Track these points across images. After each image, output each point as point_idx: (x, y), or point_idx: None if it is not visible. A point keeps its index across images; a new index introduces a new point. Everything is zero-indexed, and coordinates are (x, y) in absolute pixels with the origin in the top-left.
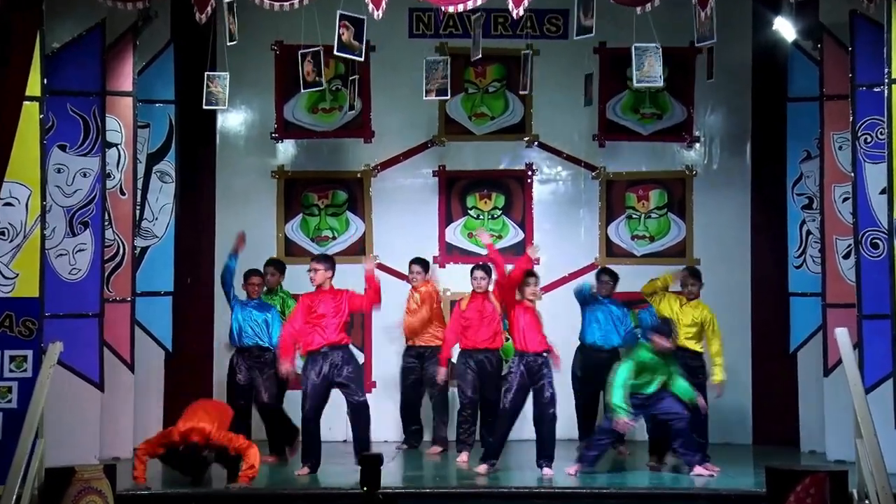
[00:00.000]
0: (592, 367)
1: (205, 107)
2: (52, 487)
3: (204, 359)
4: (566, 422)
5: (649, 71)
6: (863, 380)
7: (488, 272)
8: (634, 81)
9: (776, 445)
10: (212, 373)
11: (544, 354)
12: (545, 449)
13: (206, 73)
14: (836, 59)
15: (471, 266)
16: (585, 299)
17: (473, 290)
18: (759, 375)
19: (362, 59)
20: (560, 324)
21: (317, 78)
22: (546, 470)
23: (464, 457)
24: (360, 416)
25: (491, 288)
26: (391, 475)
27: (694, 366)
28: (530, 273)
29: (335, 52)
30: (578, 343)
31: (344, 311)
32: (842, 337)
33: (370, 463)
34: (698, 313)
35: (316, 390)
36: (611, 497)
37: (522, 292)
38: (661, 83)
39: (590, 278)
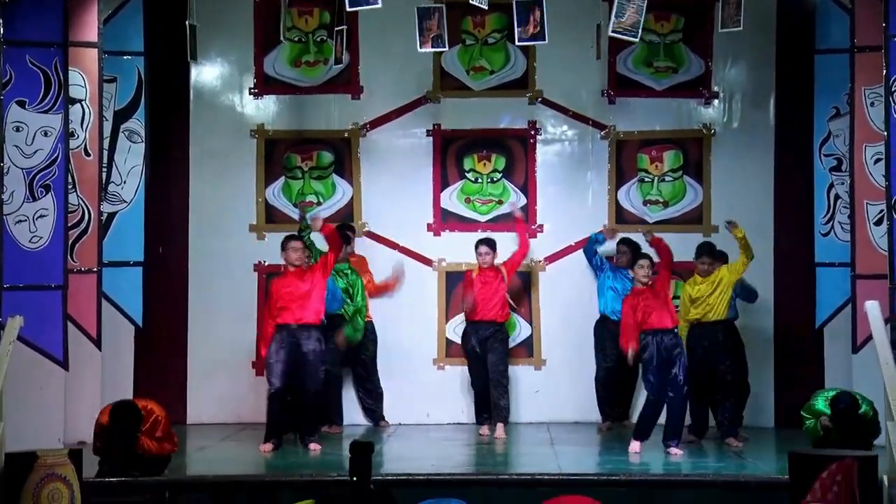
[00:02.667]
0: (611, 339)
1: (189, 60)
2: (13, 474)
3: (177, 334)
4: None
5: (629, 22)
6: (895, 357)
7: (492, 247)
8: (609, 30)
9: (801, 429)
10: (186, 350)
11: (675, 330)
12: (672, 428)
13: (188, 24)
14: (868, 6)
15: (468, 234)
16: (593, 252)
17: (479, 265)
18: (782, 353)
19: (380, 4)
20: (565, 295)
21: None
22: (673, 449)
23: (485, 429)
24: (307, 403)
25: (498, 262)
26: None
27: (725, 339)
28: (641, 255)
29: (349, 8)
30: (599, 315)
31: (311, 288)
32: (873, 311)
33: (360, 451)
34: (712, 280)
35: (282, 367)
36: (623, 485)
37: (636, 275)
38: (637, 38)
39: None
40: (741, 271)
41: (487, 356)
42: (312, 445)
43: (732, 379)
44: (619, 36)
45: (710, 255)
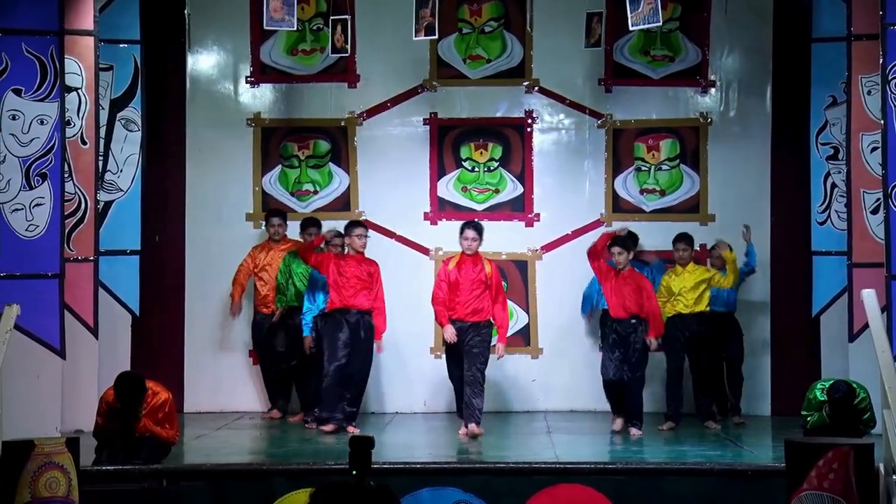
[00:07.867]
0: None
1: (188, 51)
2: (11, 462)
3: (174, 323)
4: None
5: (646, 10)
6: (891, 346)
7: (480, 232)
8: (630, 24)
9: (797, 417)
10: (182, 338)
11: (632, 321)
12: (633, 412)
13: (186, 13)
14: None
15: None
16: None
17: (463, 252)
18: (778, 341)
19: None
20: (562, 284)
21: (286, 17)
22: (634, 430)
23: (463, 430)
24: (351, 386)
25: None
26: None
27: (705, 331)
28: (613, 243)
29: None
30: (600, 312)
31: (370, 276)
32: (869, 299)
33: (360, 445)
34: (697, 274)
35: (335, 349)
36: (620, 472)
37: (615, 260)
38: (660, 22)
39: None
40: (722, 285)
41: (464, 354)
42: (350, 428)
43: (709, 368)
44: (642, 27)
45: (686, 243)
